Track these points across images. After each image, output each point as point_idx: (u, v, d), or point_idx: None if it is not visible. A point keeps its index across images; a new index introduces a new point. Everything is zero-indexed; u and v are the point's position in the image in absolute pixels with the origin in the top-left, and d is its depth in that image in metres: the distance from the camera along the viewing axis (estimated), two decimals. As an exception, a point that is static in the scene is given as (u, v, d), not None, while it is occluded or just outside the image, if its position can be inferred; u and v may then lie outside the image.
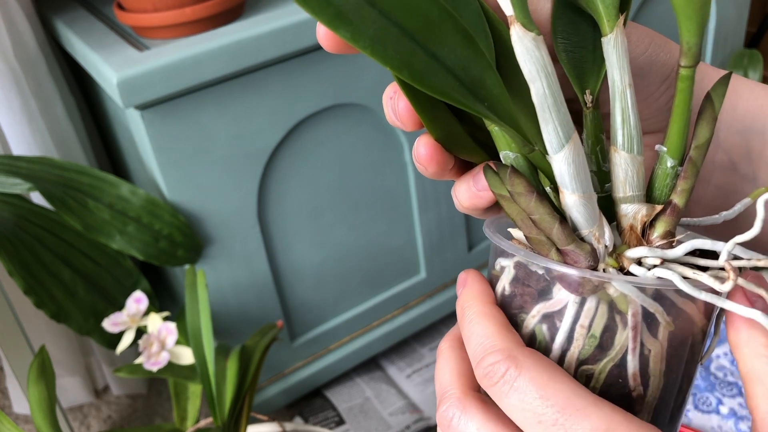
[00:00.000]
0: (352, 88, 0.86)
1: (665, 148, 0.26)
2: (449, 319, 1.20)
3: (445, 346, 0.29)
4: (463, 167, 0.30)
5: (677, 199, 0.26)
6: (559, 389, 0.24)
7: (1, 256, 0.74)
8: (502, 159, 0.27)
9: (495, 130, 0.27)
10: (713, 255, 0.26)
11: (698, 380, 0.92)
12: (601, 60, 0.27)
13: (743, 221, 0.30)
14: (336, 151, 0.90)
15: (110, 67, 0.71)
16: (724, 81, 0.26)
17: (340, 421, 1.06)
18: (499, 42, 0.26)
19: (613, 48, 0.25)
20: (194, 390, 0.81)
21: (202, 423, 0.79)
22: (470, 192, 0.29)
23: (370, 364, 1.15)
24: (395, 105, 0.27)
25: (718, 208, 0.29)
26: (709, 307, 0.27)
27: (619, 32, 0.25)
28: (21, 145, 0.89)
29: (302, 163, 0.88)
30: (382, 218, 0.99)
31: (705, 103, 0.26)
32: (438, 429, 0.28)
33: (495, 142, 0.27)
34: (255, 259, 0.90)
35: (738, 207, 0.27)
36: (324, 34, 0.26)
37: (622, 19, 0.25)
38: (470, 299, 0.29)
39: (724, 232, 0.29)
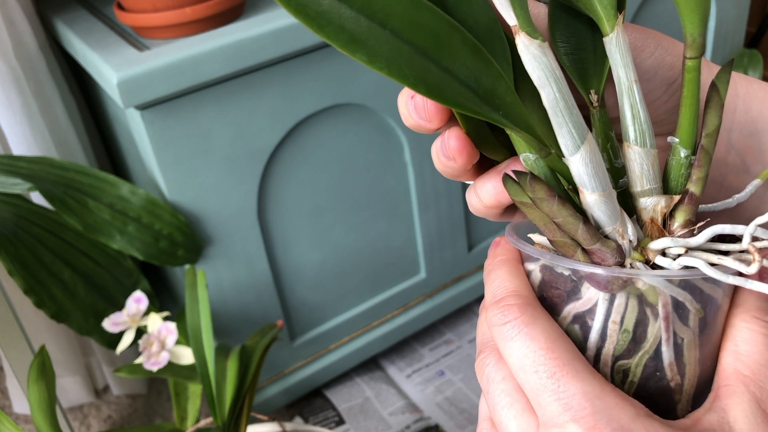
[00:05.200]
0: (352, 88, 0.86)
1: (677, 139, 0.27)
2: (449, 319, 1.20)
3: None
4: (480, 169, 0.30)
5: (693, 187, 0.26)
6: (563, 349, 0.25)
7: (1, 256, 0.74)
8: (522, 161, 0.28)
9: (513, 134, 0.27)
10: (731, 239, 0.27)
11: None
12: (601, 59, 0.28)
13: (754, 208, 0.30)
14: (336, 151, 0.90)
15: (110, 67, 0.71)
16: (727, 69, 0.26)
17: (340, 421, 1.06)
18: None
19: (616, 47, 0.26)
20: (194, 390, 0.81)
21: (202, 423, 0.79)
22: (497, 189, 0.29)
23: (370, 364, 1.15)
24: (422, 102, 0.27)
25: (732, 209, 0.29)
26: (730, 291, 0.28)
27: (619, 31, 0.26)
28: (21, 145, 0.89)
29: (302, 163, 0.88)
30: (382, 218, 0.99)
31: (711, 92, 0.26)
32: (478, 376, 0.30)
33: (514, 145, 0.28)
34: (255, 259, 0.90)
35: (749, 189, 0.28)
36: None
37: (621, 17, 0.26)
38: (500, 257, 0.30)
39: (736, 219, 0.30)
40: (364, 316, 1.05)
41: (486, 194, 0.29)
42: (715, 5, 1.17)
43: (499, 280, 0.28)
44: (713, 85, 0.26)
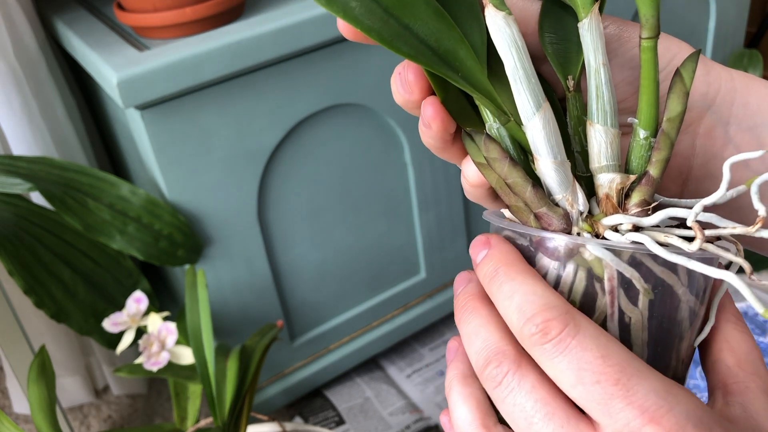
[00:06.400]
0: (352, 88, 0.86)
1: (637, 120, 0.27)
2: (449, 319, 1.20)
3: (477, 304, 0.28)
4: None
5: (652, 169, 0.27)
6: (617, 351, 0.24)
7: (1, 256, 0.74)
8: (487, 129, 0.29)
9: (478, 102, 0.29)
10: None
11: (698, 380, 0.92)
12: (582, 50, 0.29)
13: (747, 210, 0.30)
14: (336, 151, 0.90)
15: (110, 67, 0.71)
16: (694, 57, 0.27)
17: (340, 421, 1.06)
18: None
19: (588, 31, 0.27)
20: (194, 390, 0.81)
21: (202, 423, 0.79)
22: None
23: (370, 364, 1.15)
24: (404, 75, 0.29)
25: (728, 203, 0.29)
26: (693, 282, 0.28)
27: (593, 17, 0.27)
28: (21, 145, 0.89)
29: (302, 163, 0.88)
30: (382, 218, 0.99)
31: (675, 79, 0.27)
32: (474, 384, 0.28)
33: (482, 115, 0.29)
34: (255, 259, 0.90)
35: (728, 192, 0.27)
36: (344, 25, 0.27)
37: (596, 5, 0.27)
38: (505, 257, 0.28)
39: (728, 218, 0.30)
40: (364, 316, 1.05)
41: (469, 172, 0.30)
42: (715, 5, 1.17)
43: (520, 294, 0.26)
44: (677, 72, 0.27)
